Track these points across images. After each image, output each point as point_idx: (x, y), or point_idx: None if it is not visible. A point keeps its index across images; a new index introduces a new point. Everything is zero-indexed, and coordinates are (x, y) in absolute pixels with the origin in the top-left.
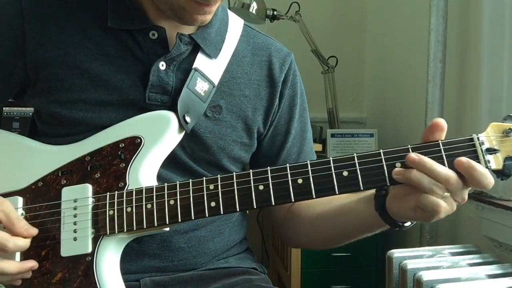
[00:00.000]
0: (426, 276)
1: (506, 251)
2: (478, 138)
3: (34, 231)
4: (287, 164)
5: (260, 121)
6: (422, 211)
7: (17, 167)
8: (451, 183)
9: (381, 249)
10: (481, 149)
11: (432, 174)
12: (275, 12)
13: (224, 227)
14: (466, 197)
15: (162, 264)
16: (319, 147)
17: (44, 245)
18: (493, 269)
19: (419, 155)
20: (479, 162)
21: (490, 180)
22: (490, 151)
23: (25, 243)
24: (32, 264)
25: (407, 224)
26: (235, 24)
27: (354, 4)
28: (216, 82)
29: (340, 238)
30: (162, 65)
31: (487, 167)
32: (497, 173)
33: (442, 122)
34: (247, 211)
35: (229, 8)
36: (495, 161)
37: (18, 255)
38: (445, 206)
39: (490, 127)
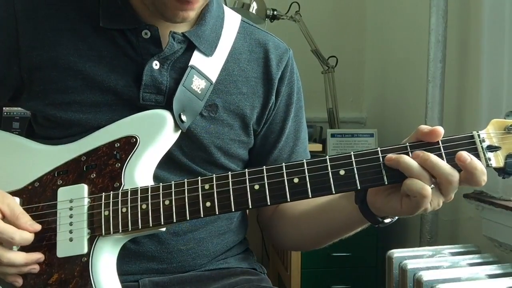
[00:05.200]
0: (426, 276)
1: (506, 251)
2: (478, 135)
3: (38, 226)
4: (283, 163)
5: (255, 118)
6: (408, 200)
7: (13, 167)
8: (455, 180)
9: (381, 249)
10: (482, 146)
11: (435, 169)
12: (275, 12)
13: (224, 228)
14: (453, 196)
15: (161, 266)
16: (319, 147)
17: (41, 246)
18: (493, 269)
19: (423, 151)
20: (479, 159)
21: (485, 177)
22: (491, 148)
23: (30, 236)
24: (39, 256)
25: (387, 220)
26: (232, 20)
27: (354, 4)
28: (213, 79)
29: (322, 237)
30: (155, 65)
31: (488, 165)
32: (498, 171)
33: (441, 130)
34: (247, 212)
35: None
36: (496, 159)
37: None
38: (430, 193)
39: (491, 124)
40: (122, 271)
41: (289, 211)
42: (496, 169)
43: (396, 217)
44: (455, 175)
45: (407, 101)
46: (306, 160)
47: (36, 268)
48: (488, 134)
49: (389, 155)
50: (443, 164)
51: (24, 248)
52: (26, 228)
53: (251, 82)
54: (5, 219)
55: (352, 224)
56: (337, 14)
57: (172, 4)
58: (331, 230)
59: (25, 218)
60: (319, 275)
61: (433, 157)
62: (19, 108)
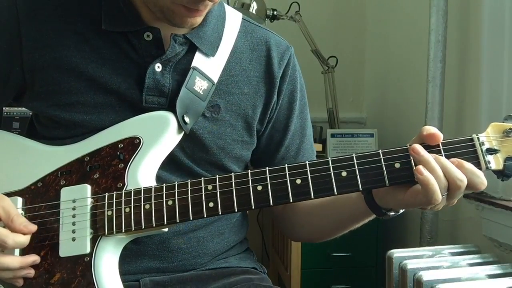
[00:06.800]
0: (426, 276)
1: (506, 251)
2: (478, 138)
3: (34, 227)
4: (286, 165)
5: (257, 118)
6: (414, 194)
7: (16, 167)
8: (463, 185)
9: (381, 249)
10: (481, 149)
11: (447, 174)
12: (275, 12)
13: (224, 227)
14: (455, 201)
15: (162, 265)
16: (319, 147)
17: (43, 245)
18: (493, 269)
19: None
20: (479, 162)
21: (481, 179)
22: (490, 151)
23: (24, 239)
24: (34, 258)
25: (391, 213)
26: (233, 20)
27: (354, 4)
28: (215, 80)
29: (333, 228)
30: (158, 67)
31: (487, 167)
32: (497, 173)
33: (440, 135)
34: (247, 212)
35: None
36: (495, 162)
37: (17, 253)
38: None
39: (490, 127)
40: (123, 271)
41: (301, 204)
42: (495, 171)
43: (401, 211)
44: (464, 180)
45: (407, 101)
46: (308, 161)
47: (31, 272)
48: (487, 137)
49: (418, 148)
50: (454, 169)
51: (26, 249)
52: (21, 230)
53: (252, 82)
54: (0, 222)
55: (359, 216)
56: (337, 14)
57: (181, 11)
58: (341, 222)
59: (20, 220)
60: (319, 275)
61: (444, 160)
62: (19, 108)
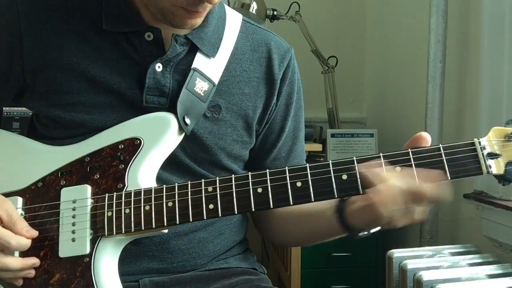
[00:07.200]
0: (426, 276)
1: (506, 251)
2: (479, 143)
3: (35, 233)
4: (286, 167)
5: (257, 119)
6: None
7: (17, 167)
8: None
9: (381, 249)
10: (482, 153)
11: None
12: (275, 12)
13: (224, 228)
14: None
15: (161, 266)
16: (319, 147)
17: (43, 246)
18: (493, 269)
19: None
20: (480, 166)
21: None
22: (492, 155)
23: (27, 242)
24: (34, 261)
25: (363, 233)
26: (234, 20)
27: (354, 4)
28: (216, 81)
29: (306, 239)
30: (158, 67)
31: (488, 172)
32: (498, 178)
33: (426, 136)
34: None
35: None
36: (497, 166)
37: (17, 255)
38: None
39: (492, 131)
40: (123, 271)
41: (278, 210)
42: (496, 176)
43: (372, 231)
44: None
45: (407, 101)
46: (309, 164)
47: (32, 272)
48: (489, 142)
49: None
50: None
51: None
52: (23, 234)
53: (253, 83)
54: (2, 224)
55: (332, 232)
56: (337, 14)
57: (180, 13)
58: (315, 234)
59: (22, 224)
60: (319, 275)
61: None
62: (19, 108)
